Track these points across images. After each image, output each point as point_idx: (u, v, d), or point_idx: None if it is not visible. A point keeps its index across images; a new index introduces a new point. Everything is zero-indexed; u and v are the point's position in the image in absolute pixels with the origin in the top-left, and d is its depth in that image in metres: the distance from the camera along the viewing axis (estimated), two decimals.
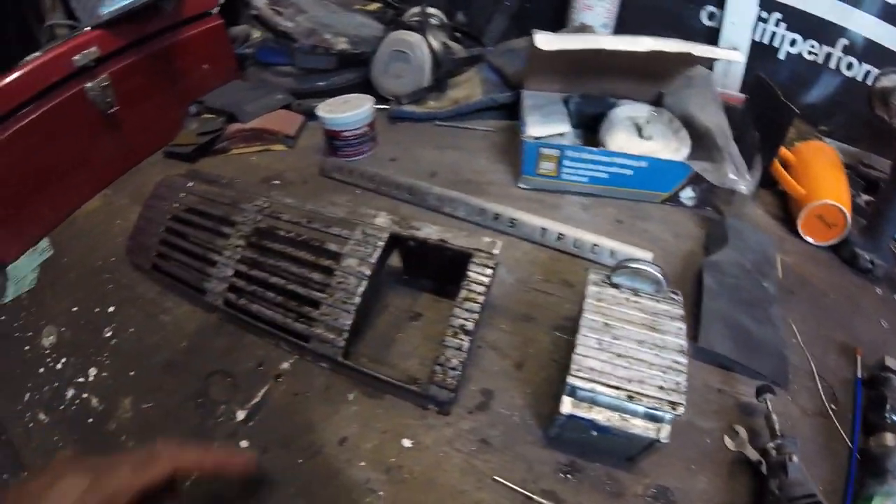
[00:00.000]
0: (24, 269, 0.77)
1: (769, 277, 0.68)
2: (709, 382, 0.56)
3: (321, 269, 0.55)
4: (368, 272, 0.53)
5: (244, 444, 0.50)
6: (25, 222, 0.78)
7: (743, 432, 0.51)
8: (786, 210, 0.78)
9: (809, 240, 0.74)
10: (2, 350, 0.67)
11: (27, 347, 0.67)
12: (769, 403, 0.51)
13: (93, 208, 0.82)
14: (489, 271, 0.51)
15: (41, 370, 0.63)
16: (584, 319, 0.49)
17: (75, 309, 0.69)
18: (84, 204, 0.82)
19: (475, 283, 0.51)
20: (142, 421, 0.54)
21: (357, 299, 0.52)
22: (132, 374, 0.59)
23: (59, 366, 0.63)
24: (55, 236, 0.80)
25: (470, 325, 0.50)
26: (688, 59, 0.69)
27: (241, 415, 0.53)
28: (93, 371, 0.60)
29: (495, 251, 0.52)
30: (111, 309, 0.67)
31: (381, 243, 0.54)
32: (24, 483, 0.35)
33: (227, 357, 0.57)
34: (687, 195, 0.72)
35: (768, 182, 0.78)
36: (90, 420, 0.55)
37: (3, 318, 0.72)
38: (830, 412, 0.54)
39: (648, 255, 0.63)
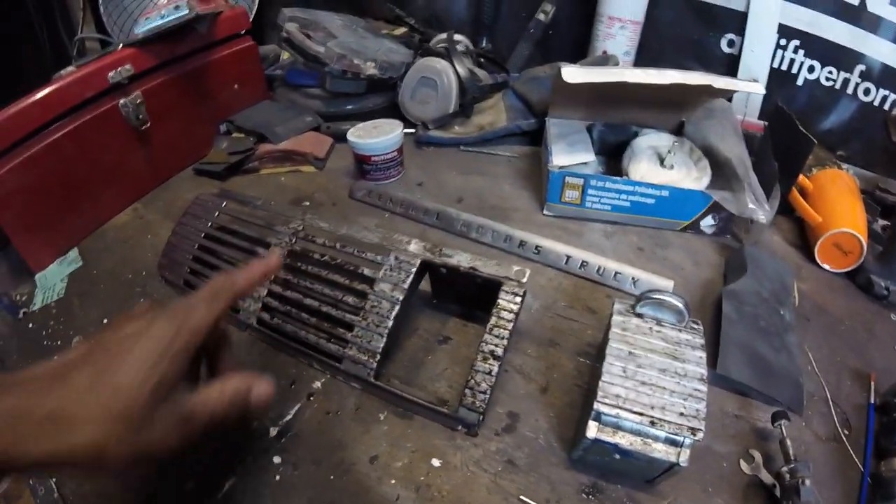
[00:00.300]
0: (53, 279, 0.80)
1: (786, 305, 0.69)
2: (726, 408, 0.58)
3: (355, 292, 0.57)
4: (401, 297, 0.55)
5: (277, 459, 0.52)
6: (56, 232, 0.81)
7: (758, 456, 0.53)
8: (802, 237, 0.80)
9: (826, 267, 0.75)
10: (32, 357, 0.69)
11: (55, 357, 0.69)
12: (784, 429, 0.53)
13: (122, 222, 0.84)
14: (518, 299, 0.53)
15: None
16: (609, 348, 0.51)
17: (105, 321, 0.71)
18: (114, 217, 0.84)
19: (505, 310, 0.53)
20: None
21: (390, 323, 0.54)
22: None
23: None
24: (84, 247, 0.82)
25: (499, 351, 0.51)
26: (710, 91, 0.71)
27: (273, 431, 0.54)
28: None
29: (524, 280, 0.54)
30: None
31: (414, 269, 0.56)
32: (114, 330, 0.39)
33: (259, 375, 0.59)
34: (707, 223, 0.73)
35: (785, 208, 0.80)
36: None
37: (30, 325, 0.74)
38: (843, 437, 0.55)
39: (669, 284, 0.65)
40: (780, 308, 0.68)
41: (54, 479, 0.54)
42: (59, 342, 0.70)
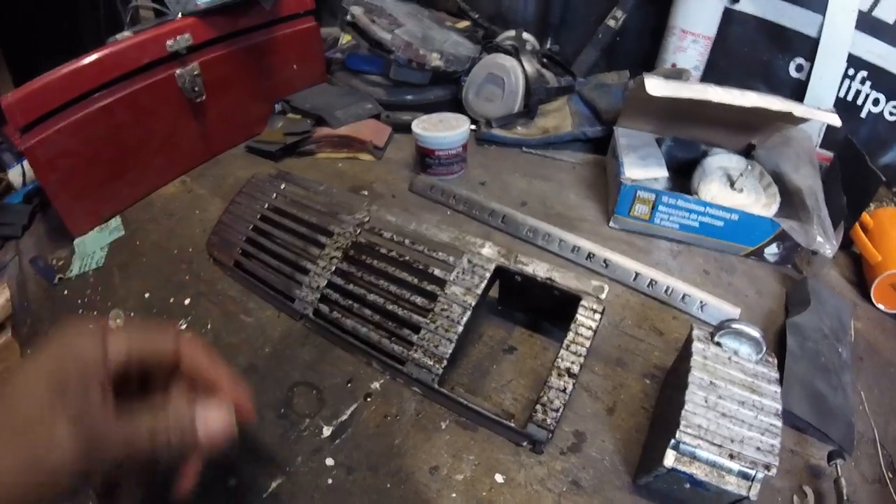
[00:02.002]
0: (93, 246, 0.77)
1: (843, 343, 0.68)
2: (783, 443, 0.57)
3: (424, 293, 0.55)
4: (473, 303, 0.53)
5: (329, 461, 0.50)
6: (99, 198, 0.79)
7: (811, 494, 0.52)
8: (859, 273, 0.79)
9: (880, 307, 0.74)
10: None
11: (91, 327, 0.67)
12: (839, 469, 0.52)
13: (170, 193, 0.82)
14: (598, 316, 0.51)
15: None
16: (691, 377, 0.49)
17: (147, 295, 0.69)
18: (161, 188, 0.82)
19: (583, 326, 0.51)
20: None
21: (460, 328, 0.52)
22: None
23: None
24: (128, 216, 0.80)
25: (575, 369, 0.50)
26: (787, 118, 0.69)
27: (327, 431, 0.52)
28: None
29: (602, 296, 0.52)
30: (187, 301, 0.67)
31: (488, 274, 0.54)
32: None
33: (313, 369, 0.57)
34: (771, 251, 0.72)
35: (843, 242, 0.79)
36: None
37: (66, 292, 0.72)
38: (888, 481, 0.55)
39: (736, 312, 0.63)
40: (838, 345, 0.67)
41: None
42: (95, 313, 0.69)
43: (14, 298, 0.76)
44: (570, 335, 0.51)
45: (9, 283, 0.78)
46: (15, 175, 0.89)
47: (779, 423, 0.48)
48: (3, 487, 0.28)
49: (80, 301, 0.71)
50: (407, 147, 0.80)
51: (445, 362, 0.52)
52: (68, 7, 1.00)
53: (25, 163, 0.88)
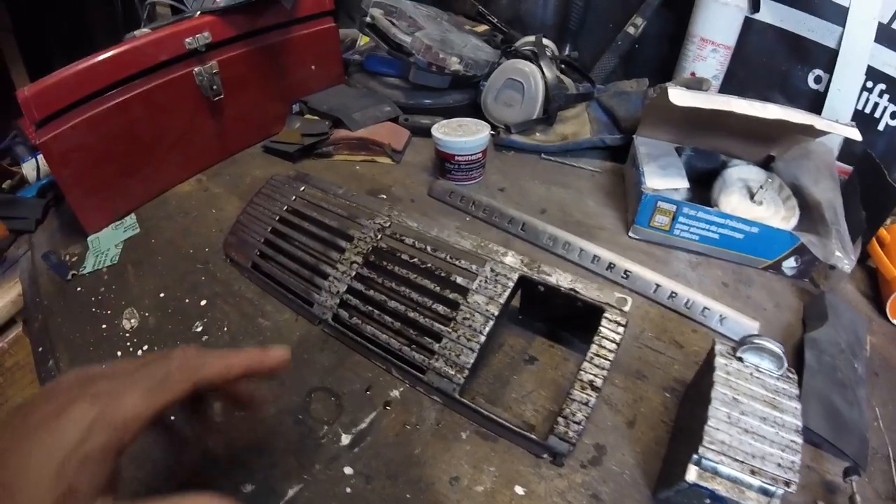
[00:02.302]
0: (107, 243, 0.77)
1: (859, 358, 0.68)
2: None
3: (446, 301, 0.54)
4: (496, 312, 0.53)
5: (348, 470, 0.50)
6: (114, 194, 0.78)
7: None
8: (874, 288, 0.78)
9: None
10: (77, 323, 0.66)
11: (104, 326, 0.66)
12: (854, 485, 0.52)
13: (185, 192, 0.81)
14: (621, 329, 0.51)
15: (119, 353, 0.62)
16: (715, 392, 0.49)
17: (162, 295, 0.69)
18: (176, 186, 0.81)
19: (607, 339, 0.51)
20: (232, 430, 0.52)
21: (482, 338, 0.52)
22: None
23: (139, 352, 0.62)
24: (143, 214, 0.79)
25: (599, 382, 0.49)
26: (807, 131, 0.69)
27: (345, 439, 0.52)
28: None
29: (626, 308, 0.52)
30: (203, 302, 0.66)
31: (511, 284, 0.54)
32: (29, 407, 0.30)
33: (331, 375, 0.57)
34: (788, 265, 0.72)
35: (860, 257, 0.78)
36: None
37: (79, 289, 0.71)
38: None
39: (755, 326, 0.63)
40: (854, 360, 0.67)
41: None
42: (108, 311, 0.68)
43: (26, 294, 0.76)
44: (594, 348, 0.50)
45: (21, 278, 0.78)
46: (29, 169, 0.89)
47: (799, 440, 0.48)
48: None
49: (93, 298, 0.70)
50: (425, 151, 0.80)
51: (467, 372, 0.52)
52: (80, 2, 1.00)
53: (40, 157, 0.88)
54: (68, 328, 0.66)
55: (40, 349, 0.65)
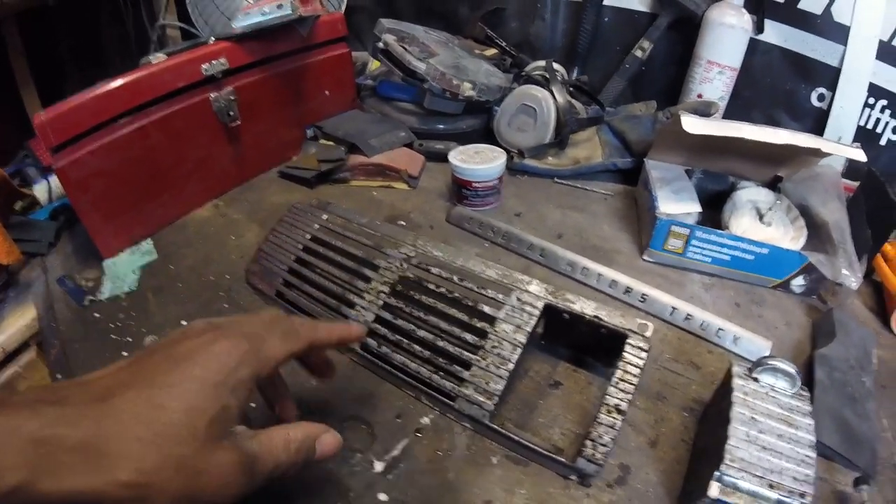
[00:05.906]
0: (124, 269, 0.79)
1: (867, 372, 0.73)
2: None
3: (474, 330, 0.58)
4: (524, 340, 0.57)
5: (383, 496, 0.53)
6: (131, 219, 0.81)
7: None
8: (880, 302, 0.83)
9: None
10: (97, 350, 0.68)
11: (125, 353, 0.69)
12: (865, 494, 0.56)
13: (203, 217, 0.84)
14: (644, 354, 0.55)
15: None
16: (734, 412, 0.54)
17: (184, 322, 0.71)
18: (193, 211, 0.84)
19: (631, 364, 0.55)
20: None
21: (511, 366, 0.56)
22: (253, 405, 0.58)
23: None
24: (160, 239, 0.82)
25: (624, 406, 0.54)
26: (814, 153, 0.74)
27: (379, 466, 0.55)
28: None
29: (648, 334, 0.56)
30: None
31: (537, 312, 0.58)
32: (168, 341, 0.35)
33: (362, 404, 0.60)
34: (797, 283, 0.76)
35: (866, 272, 0.83)
36: None
37: (97, 315, 0.73)
38: None
39: (768, 345, 0.68)
40: (862, 374, 0.72)
41: None
42: (128, 338, 0.70)
43: (42, 319, 0.77)
44: (619, 373, 0.55)
45: (35, 303, 0.79)
46: (41, 191, 0.91)
47: (813, 455, 0.52)
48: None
49: (112, 325, 0.72)
50: (440, 176, 0.83)
51: (497, 399, 0.56)
52: (92, 23, 1.03)
53: (52, 178, 0.90)
54: (87, 355, 0.68)
55: (58, 376, 0.67)
